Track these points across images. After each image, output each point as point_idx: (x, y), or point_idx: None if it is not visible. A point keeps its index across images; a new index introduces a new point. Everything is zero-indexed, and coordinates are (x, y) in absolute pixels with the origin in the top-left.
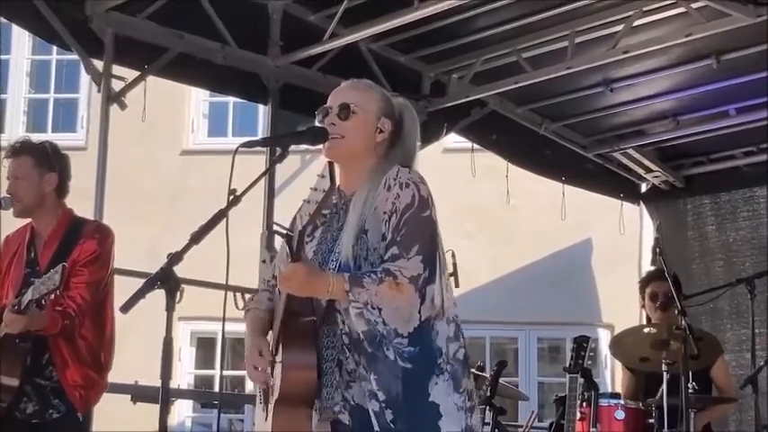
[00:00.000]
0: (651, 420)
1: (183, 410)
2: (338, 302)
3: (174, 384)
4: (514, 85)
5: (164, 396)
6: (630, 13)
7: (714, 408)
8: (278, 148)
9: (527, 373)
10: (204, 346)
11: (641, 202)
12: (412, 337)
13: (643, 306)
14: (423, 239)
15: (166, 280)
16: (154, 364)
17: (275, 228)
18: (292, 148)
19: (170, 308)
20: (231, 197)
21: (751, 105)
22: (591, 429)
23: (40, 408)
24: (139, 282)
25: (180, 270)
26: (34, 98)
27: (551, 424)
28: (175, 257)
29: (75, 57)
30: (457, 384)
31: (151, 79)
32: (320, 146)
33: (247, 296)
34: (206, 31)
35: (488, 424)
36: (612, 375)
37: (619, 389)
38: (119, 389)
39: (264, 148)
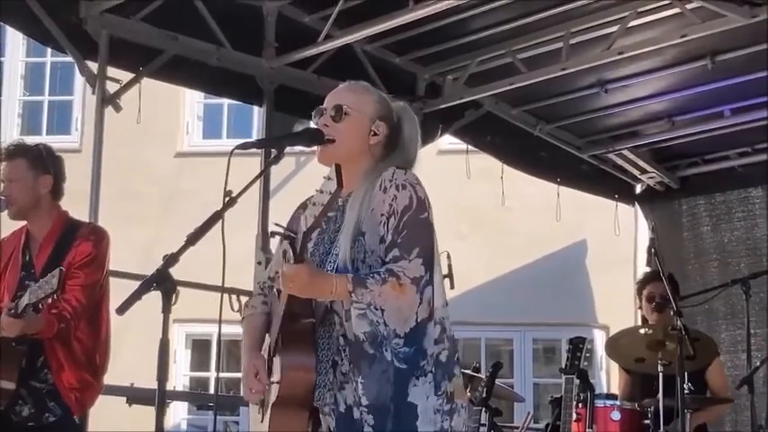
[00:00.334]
0: (647, 421)
1: (178, 412)
2: (336, 304)
3: (169, 386)
4: (509, 87)
5: (160, 398)
6: (625, 13)
7: (710, 408)
8: (273, 150)
9: (522, 375)
10: (199, 348)
11: (636, 203)
12: (408, 337)
13: (640, 307)
14: (423, 241)
15: (162, 282)
16: (149, 366)
17: (275, 228)
18: (287, 149)
19: (166, 310)
20: (227, 199)
21: (746, 106)
22: (587, 430)
23: (36, 411)
24: (134, 284)
25: (175, 272)
26: (29, 100)
27: (547, 425)
28: (171, 259)
29: (69, 59)
30: (437, 387)
31: (146, 81)
32: (315, 147)
33: (243, 298)
34: (200, 32)
35: (484, 425)
36: (608, 376)
37: (614, 389)
38: (114, 391)
39: (260, 150)
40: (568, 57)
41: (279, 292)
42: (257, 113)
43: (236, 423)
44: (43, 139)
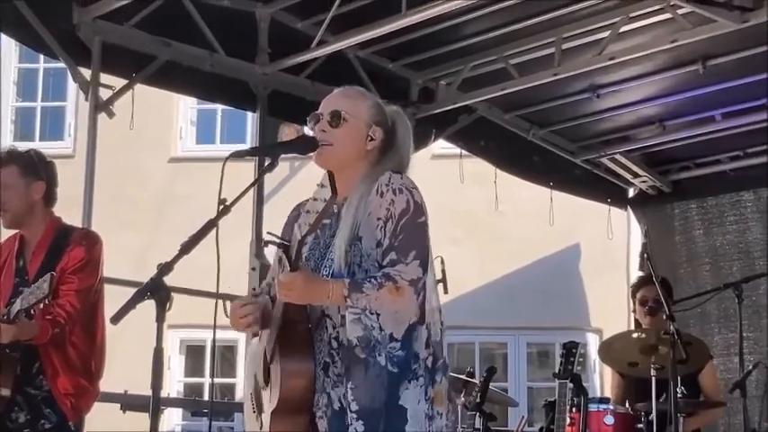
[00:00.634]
0: (640, 425)
1: (172, 419)
2: (330, 308)
3: (163, 393)
4: (502, 92)
5: (154, 406)
6: (616, 19)
7: (703, 413)
8: (267, 158)
9: (516, 378)
10: (193, 353)
11: (629, 207)
12: (403, 340)
13: (634, 311)
14: (419, 245)
15: (156, 291)
16: (143, 372)
17: (267, 237)
18: (282, 155)
19: (160, 319)
20: (221, 207)
21: (737, 110)
22: None
23: (32, 417)
24: (128, 290)
25: (169, 278)
26: (21, 106)
27: (541, 429)
28: (165, 268)
29: (62, 65)
30: (425, 391)
31: (139, 87)
32: (310, 154)
33: None
34: (193, 38)
35: (478, 430)
36: (601, 380)
37: (608, 393)
38: (109, 398)
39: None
40: (560, 62)
41: (273, 300)
42: (251, 119)
43: (231, 429)
44: (36, 145)
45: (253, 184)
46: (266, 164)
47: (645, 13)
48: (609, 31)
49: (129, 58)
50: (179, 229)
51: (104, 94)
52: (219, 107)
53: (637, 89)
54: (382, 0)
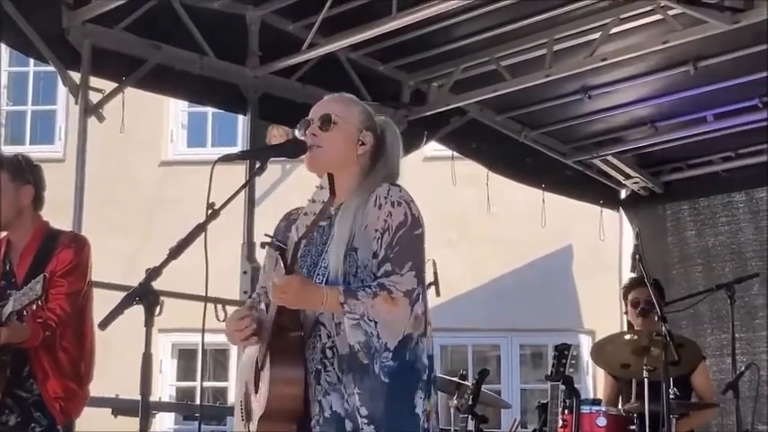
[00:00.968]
0: (633, 427)
1: (165, 423)
2: (324, 316)
3: (155, 397)
4: (494, 94)
5: (143, 412)
6: (608, 20)
7: (696, 414)
8: (257, 162)
9: (509, 380)
10: (186, 357)
11: (621, 209)
12: (396, 351)
13: (626, 312)
14: (415, 257)
15: (145, 296)
16: (135, 377)
17: (265, 239)
18: (272, 159)
19: (149, 324)
20: (210, 211)
21: (728, 111)
22: None
23: (22, 420)
24: (118, 294)
25: (160, 281)
26: (12, 110)
27: (534, 431)
28: (154, 273)
29: (52, 68)
30: (423, 404)
31: (129, 90)
32: (300, 158)
33: (228, 308)
34: (184, 41)
35: None
36: (594, 381)
37: (601, 394)
38: (100, 402)
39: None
40: (552, 63)
41: (267, 306)
42: (242, 121)
43: None
44: (27, 148)
45: (242, 188)
46: (256, 167)
47: (636, 15)
48: (600, 33)
49: (119, 62)
50: (170, 233)
51: (94, 97)
52: (210, 110)
53: (628, 90)
54: (373, 2)
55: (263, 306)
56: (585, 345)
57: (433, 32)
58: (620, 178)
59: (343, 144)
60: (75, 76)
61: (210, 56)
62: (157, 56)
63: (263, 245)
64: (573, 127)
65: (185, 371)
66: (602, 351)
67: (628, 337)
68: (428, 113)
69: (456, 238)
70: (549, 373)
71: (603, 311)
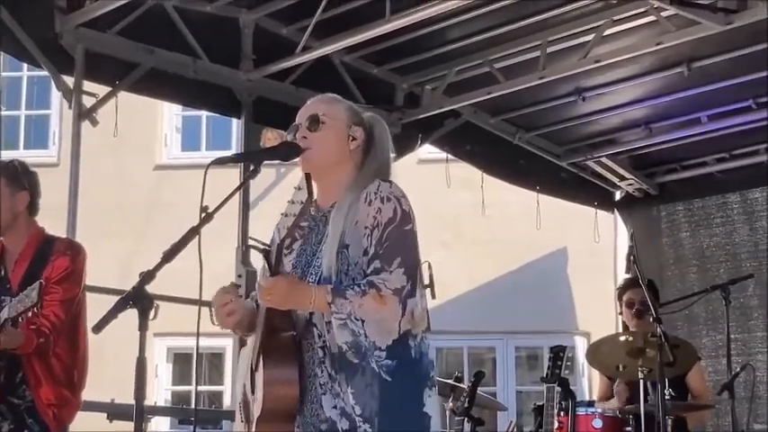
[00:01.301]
0: (628, 428)
1: (160, 427)
2: (315, 316)
3: (151, 401)
4: (487, 96)
5: (138, 416)
6: (601, 22)
7: (691, 414)
8: (250, 165)
9: (505, 383)
10: (181, 361)
11: (615, 210)
12: (390, 350)
13: (621, 313)
14: (405, 253)
15: (139, 299)
16: (130, 381)
17: (251, 243)
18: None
19: (143, 327)
20: (203, 215)
21: (722, 112)
22: None
23: (15, 427)
24: (113, 299)
25: (155, 285)
26: (5, 115)
27: None
28: (147, 276)
29: (46, 73)
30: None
31: (123, 94)
32: (294, 160)
33: None
34: (177, 45)
35: None
36: (590, 383)
37: (596, 396)
38: (95, 407)
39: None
40: (546, 65)
41: (259, 306)
42: (236, 125)
43: None
44: (21, 153)
45: (236, 191)
46: (249, 170)
47: (629, 16)
48: (593, 35)
49: (113, 66)
50: (165, 236)
51: (88, 101)
52: (204, 114)
53: (622, 92)
54: (366, 5)
55: (254, 304)
56: (581, 346)
57: (427, 35)
58: (615, 180)
59: (335, 141)
60: (69, 81)
61: (204, 59)
62: (151, 60)
63: (247, 248)
64: (567, 129)
65: (180, 375)
66: (597, 352)
67: (623, 338)
68: (422, 116)
69: (451, 241)
70: (545, 375)
71: (598, 313)
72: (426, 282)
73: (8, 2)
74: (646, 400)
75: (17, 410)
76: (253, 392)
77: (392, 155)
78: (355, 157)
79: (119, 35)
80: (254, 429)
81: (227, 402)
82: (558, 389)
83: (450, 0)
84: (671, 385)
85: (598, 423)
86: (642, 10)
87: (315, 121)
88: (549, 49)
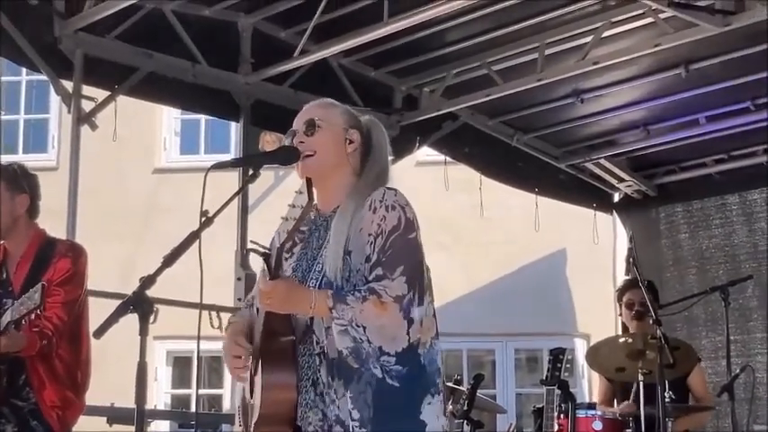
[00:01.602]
0: (628, 430)
1: (160, 430)
2: (315, 321)
3: (150, 404)
4: (486, 98)
5: (138, 420)
6: (599, 24)
7: (691, 416)
8: (249, 169)
9: (505, 385)
10: (181, 365)
11: (614, 212)
12: (400, 356)
13: (620, 315)
14: (408, 261)
15: (139, 304)
16: (130, 385)
17: (251, 246)
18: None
19: (143, 332)
20: (203, 219)
21: (720, 113)
22: None
23: (19, 430)
24: (113, 303)
25: (155, 289)
26: (5, 119)
27: None
28: (148, 281)
29: (45, 77)
30: (444, 408)
31: (122, 98)
32: (293, 165)
33: (223, 314)
34: (175, 49)
35: None
36: (590, 385)
37: (596, 398)
38: (95, 411)
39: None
40: (544, 67)
41: (258, 311)
42: (235, 128)
43: None
44: (20, 157)
45: (235, 195)
46: (249, 175)
47: (627, 18)
48: (592, 36)
49: (112, 70)
50: (164, 240)
51: (87, 106)
52: (203, 117)
53: (620, 93)
54: (364, 8)
55: (254, 311)
56: (581, 348)
57: (425, 38)
58: (614, 181)
59: (333, 145)
60: (68, 85)
61: (203, 63)
62: (149, 64)
63: (247, 251)
64: (565, 131)
65: (180, 378)
66: (596, 354)
67: (622, 340)
68: (420, 118)
69: (449, 243)
70: (544, 378)
71: (598, 315)
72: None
73: (7, 7)
74: (646, 403)
75: (20, 413)
76: (251, 397)
77: (390, 158)
78: (353, 160)
79: (117, 39)
80: None
81: (226, 406)
82: (557, 391)
83: (448, 3)
84: (671, 387)
85: (598, 425)
86: (640, 12)
87: (311, 126)
88: (548, 51)
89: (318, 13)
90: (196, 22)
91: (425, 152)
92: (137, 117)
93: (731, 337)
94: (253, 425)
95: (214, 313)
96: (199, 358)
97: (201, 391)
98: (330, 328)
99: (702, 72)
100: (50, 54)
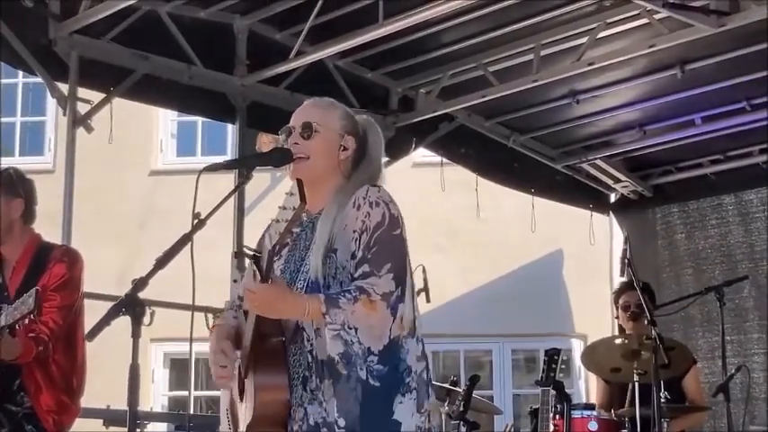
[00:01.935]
0: (624, 431)
1: None
2: (303, 322)
3: (147, 406)
4: (482, 99)
5: (131, 422)
6: (594, 25)
7: (687, 417)
8: (243, 170)
9: (502, 386)
10: (178, 367)
11: (611, 213)
12: (382, 355)
13: (617, 316)
14: (394, 257)
15: (131, 306)
16: (125, 387)
17: (244, 249)
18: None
19: (136, 334)
20: (195, 221)
21: (716, 114)
22: None
23: None
24: (109, 305)
25: (151, 291)
26: (1, 122)
27: None
28: (140, 283)
29: (41, 80)
30: (420, 404)
31: (117, 100)
32: (286, 167)
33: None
34: (171, 51)
35: None
36: (587, 385)
37: (593, 399)
38: (91, 413)
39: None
40: (539, 68)
41: (246, 312)
42: (231, 130)
43: None
44: (16, 160)
45: (228, 196)
46: (242, 176)
47: (622, 19)
48: (587, 37)
49: (107, 72)
50: (161, 242)
51: (83, 108)
52: (200, 119)
53: (616, 94)
54: (360, 10)
55: (241, 313)
56: (577, 349)
57: (421, 39)
58: (610, 182)
59: (327, 151)
60: (64, 88)
61: (198, 65)
62: (145, 66)
63: (236, 254)
64: (561, 131)
65: (178, 380)
66: (592, 355)
67: (618, 341)
68: (416, 120)
69: (446, 244)
70: (540, 379)
71: (595, 316)
72: (421, 285)
73: (2, 9)
74: (641, 404)
75: (15, 417)
76: (241, 398)
77: (384, 159)
78: (344, 166)
79: (113, 42)
80: None
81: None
82: (553, 392)
83: (443, 4)
84: (666, 388)
85: (593, 426)
86: (635, 13)
87: (308, 129)
88: (543, 52)
89: (314, 14)
90: (192, 23)
91: (422, 153)
92: (133, 119)
93: (727, 338)
94: (246, 427)
95: (210, 315)
96: (194, 360)
97: (199, 393)
98: (320, 329)
99: (698, 72)
100: (46, 56)
